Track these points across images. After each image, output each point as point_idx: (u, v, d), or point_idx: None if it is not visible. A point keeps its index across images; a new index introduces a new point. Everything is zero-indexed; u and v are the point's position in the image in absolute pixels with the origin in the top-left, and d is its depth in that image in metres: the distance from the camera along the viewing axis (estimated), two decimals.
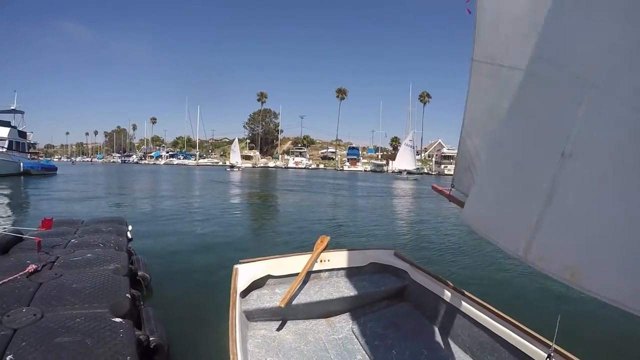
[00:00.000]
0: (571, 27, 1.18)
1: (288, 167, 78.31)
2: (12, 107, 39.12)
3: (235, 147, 67.49)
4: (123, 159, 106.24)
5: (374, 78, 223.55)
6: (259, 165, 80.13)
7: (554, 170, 1.14)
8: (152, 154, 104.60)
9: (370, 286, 3.79)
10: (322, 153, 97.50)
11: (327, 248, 4.05)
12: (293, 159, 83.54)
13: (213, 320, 3.60)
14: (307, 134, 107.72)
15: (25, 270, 3.47)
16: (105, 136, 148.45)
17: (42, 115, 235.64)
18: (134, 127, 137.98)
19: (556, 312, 4.11)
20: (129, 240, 5.64)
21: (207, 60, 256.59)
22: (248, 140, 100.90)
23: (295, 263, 3.76)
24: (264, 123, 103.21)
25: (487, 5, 2.29)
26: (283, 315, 3.37)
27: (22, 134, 36.69)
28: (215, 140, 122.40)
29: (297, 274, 3.60)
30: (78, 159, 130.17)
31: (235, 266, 3.46)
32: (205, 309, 4.49)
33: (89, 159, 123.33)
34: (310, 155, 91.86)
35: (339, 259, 4.02)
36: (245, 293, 3.37)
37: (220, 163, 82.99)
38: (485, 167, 1.78)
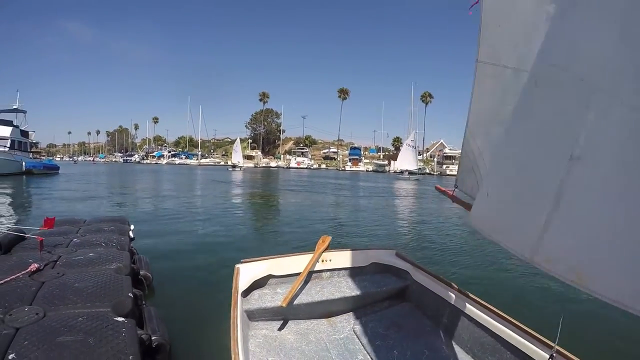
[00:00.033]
0: (575, 29, 1.18)
1: (290, 167, 78.28)
2: (14, 107, 39.11)
3: (237, 146, 67.56)
4: (125, 158, 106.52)
5: (376, 78, 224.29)
6: (260, 165, 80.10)
7: (562, 174, 1.14)
8: (154, 154, 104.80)
9: (372, 286, 3.78)
10: (324, 153, 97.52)
11: (328, 248, 4.05)
12: (295, 159, 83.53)
13: (215, 320, 3.61)
14: (309, 134, 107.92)
15: (28, 269, 3.48)
16: (108, 136, 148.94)
17: (44, 115, 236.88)
18: (136, 127, 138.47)
19: (559, 313, 4.10)
20: (131, 239, 5.65)
21: (208, 60, 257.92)
22: (250, 140, 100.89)
23: (297, 263, 3.76)
24: (266, 123, 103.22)
25: (492, 6, 2.28)
26: (284, 315, 3.36)
27: (25, 134, 36.73)
28: (217, 140, 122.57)
29: (298, 274, 3.60)
30: (80, 158, 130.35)
31: (237, 266, 3.46)
32: (206, 309, 4.50)
33: (91, 159, 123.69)
34: (312, 155, 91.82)
35: (341, 259, 4.02)
36: (246, 293, 3.37)
37: (222, 163, 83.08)
38: (491, 169, 1.78)
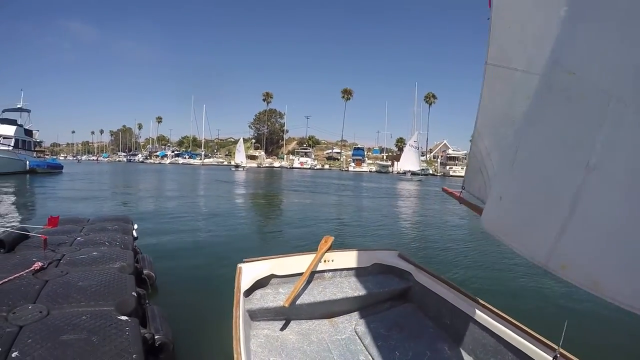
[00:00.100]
0: (590, 35, 1.17)
1: (293, 167, 78.25)
2: (18, 106, 39.27)
3: (241, 146, 67.58)
4: (128, 158, 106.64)
5: (380, 78, 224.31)
6: (264, 165, 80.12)
7: (578, 181, 1.14)
8: (157, 153, 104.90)
9: (374, 287, 3.78)
10: (327, 153, 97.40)
11: (331, 248, 4.05)
12: (298, 159, 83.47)
13: (217, 319, 3.62)
14: (312, 134, 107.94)
15: (32, 268, 3.49)
16: (111, 135, 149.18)
17: (48, 114, 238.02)
18: (140, 127, 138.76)
19: (562, 315, 4.10)
20: (135, 238, 5.66)
21: (209, 60, 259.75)
22: (253, 140, 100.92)
23: (299, 263, 3.76)
24: (269, 123, 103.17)
25: (502, 8, 2.28)
26: (286, 315, 3.37)
27: (29, 133, 36.83)
28: (221, 139, 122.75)
29: (300, 274, 3.60)
30: (84, 157, 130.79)
31: (239, 265, 3.47)
32: (209, 308, 4.50)
33: (94, 158, 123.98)
34: (315, 156, 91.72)
35: (343, 259, 4.02)
36: (248, 292, 3.38)
37: (226, 163, 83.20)
38: (501, 171, 1.77)
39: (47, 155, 59.51)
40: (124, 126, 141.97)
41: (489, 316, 2.81)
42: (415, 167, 49.44)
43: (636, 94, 1.02)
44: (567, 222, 1.17)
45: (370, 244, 9.23)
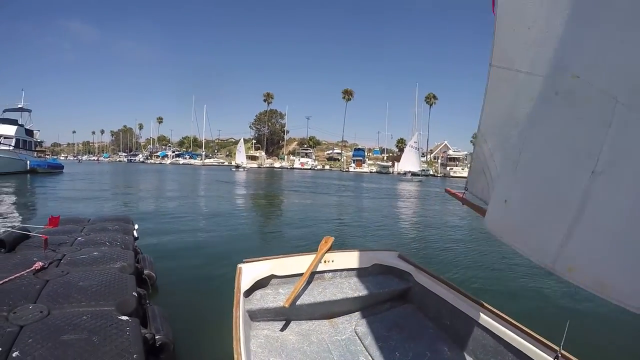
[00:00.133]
0: (597, 39, 1.17)
1: (294, 168, 78.30)
2: (19, 106, 39.34)
3: (241, 147, 67.53)
4: (129, 158, 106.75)
5: (380, 79, 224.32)
6: (264, 166, 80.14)
7: (584, 185, 1.14)
8: (158, 154, 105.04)
9: (374, 287, 3.78)
10: (327, 154, 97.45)
11: (331, 249, 4.05)
12: (299, 160, 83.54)
13: (218, 319, 3.62)
14: (313, 134, 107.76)
15: (32, 268, 3.49)
16: (112, 135, 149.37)
17: (49, 114, 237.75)
18: (141, 127, 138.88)
19: (564, 316, 4.09)
20: (135, 238, 5.66)
21: (209, 60, 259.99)
22: (254, 141, 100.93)
23: (299, 263, 3.76)
24: (270, 124, 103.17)
25: (507, 10, 2.28)
26: (286, 315, 3.37)
27: (29, 132, 36.86)
28: (222, 140, 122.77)
29: (300, 274, 3.60)
30: (84, 157, 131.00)
31: (239, 265, 3.47)
32: (210, 308, 4.50)
33: (95, 158, 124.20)
34: (316, 156, 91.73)
35: (343, 259, 4.02)
36: (248, 293, 3.38)
37: (226, 163, 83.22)
38: (506, 173, 1.77)
39: (48, 155, 59.64)
40: (124, 126, 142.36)
41: (489, 317, 2.81)
42: (415, 168, 49.41)
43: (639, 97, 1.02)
44: (574, 225, 1.17)
45: (370, 245, 9.23)
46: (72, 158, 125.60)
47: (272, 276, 3.66)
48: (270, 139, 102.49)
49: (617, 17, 1.10)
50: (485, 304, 2.91)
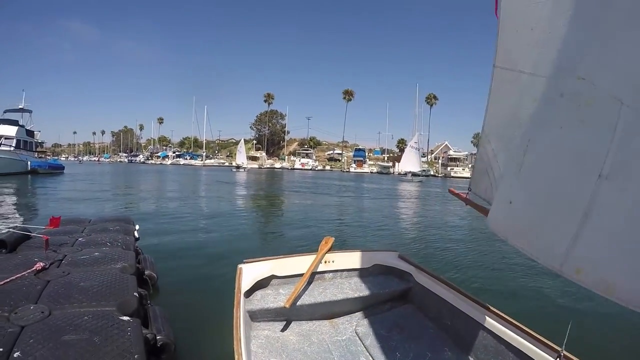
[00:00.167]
0: (603, 42, 1.17)
1: (294, 168, 78.21)
2: (20, 106, 39.34)
3: (241, 147, 67.45)
4: (130, 158, 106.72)
5: (381, 80, 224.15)
6: (265, 166, 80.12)
7: (591, 188, 1.14)
8: (158, 154, 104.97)
9: (374, 288, 3.78)
10: (328, 154, 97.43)
11: (331, 249, 4.05)
12: (299, 160, 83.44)
13: (219, 320, 3.63)
14: (313, 135, 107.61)
15: (33, 268, 3.50)
16: (112, 136, 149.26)
17: (49, 115, 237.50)
18: (141, 127, 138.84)
19: (566, 316, 4.08)
20: (136, 239, 5.67)
21: (209, 60, 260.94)
22: (255, 141, 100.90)
23: (300, 263, 3.76)
24: (270, 124, 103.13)
25: (510, 11, 2.28)
26: (286, 315, 3.37)
27: (30, 133, 36.86)
28: (222, 140, 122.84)
29: (301, 275, 3.60)
30: (85, 158, 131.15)
31: (240, 266, 3.46)
32: (211, 308, 4.51)
33: (96, 159, 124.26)
34: (316, 157, 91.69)
35: (343, 260, 4.03)
36: (249, 293, 3.38)
37: (227, 164, 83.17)
38: (509, 174, 1.78)
39: (49, 155, 59.66)
40: (125, 127, 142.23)
41: (489, 317, 2.81)
42: (415, 168, 49.37)
43: None
44: (581, 228, 1.18)
45: (370, 245, 9.23)
46: (72, 159, 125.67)
47: (273, 276, 3.67)
48: (270, 139, 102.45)
49: (620, 18, 1.11)
50: (486, 304, 2.90)
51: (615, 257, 1.10)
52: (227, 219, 12.37)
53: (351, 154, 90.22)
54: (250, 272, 3.44)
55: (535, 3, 1.94)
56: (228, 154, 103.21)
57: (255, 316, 3.28)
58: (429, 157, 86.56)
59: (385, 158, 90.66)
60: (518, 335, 2.54)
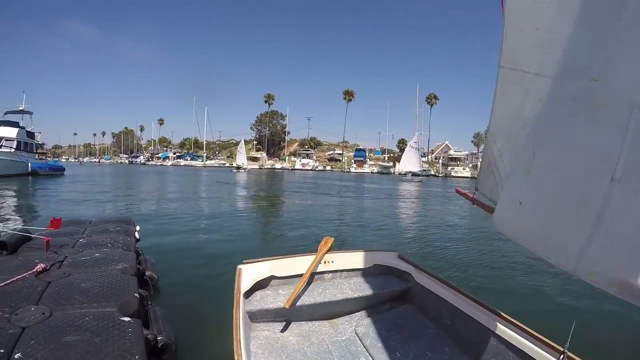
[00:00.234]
0: (615, 44, 1.16)
1: (295, 169, 78.13)
2: (20, 108, 39.42)
3: (242, 148, 67.36)
4: (130, 159, 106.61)
5: (381, 80, 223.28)
6: (265, 167, 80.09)
7: (604, 192, 1.14)
8: (159, 155, 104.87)
9: (374, 288, 3.79)
10: (329, 155, 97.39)
11: (331, 249, 4.06)
12: (300, 161, 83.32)
13: (219, 320, 3.63)
14: (314, 135, 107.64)
15: (34, 269, 3.51)
16: (113, 137, 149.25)
17: (50, 116, 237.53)
18: (142, 128, 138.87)
19: (570, 316, 4.07)
20: (137, 240, 5.68)
21: (208, 60, 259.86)
22: (255, 142, 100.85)
23: (299, 264, 3.77)
24: (271, 125, 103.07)
25: (515, 11, 2.29)
26: (286, 316, 3.37)
27: (30, 135, 36.91)
28: (223, 141, 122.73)
29: (300, 275, 3.61)
30: (86, 159, 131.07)
31: (239, 266, 3.47)
32: (211, 309, 4.51)
33: (96, 160, 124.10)
34: (317, 157, 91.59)
35: (343, 260, 4.03)
36: (248, 294, 3.38)
37: (227, 164, 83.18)
38: (517, 175, 1.78)
39: (49, 157, 59.68)
40: (125, 128, 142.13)
41: (489, 317, 2.81)
42: (415, 168, 49.33)
43: None
44: (594, 231, 1.18)
45: (370, 245, 9.23)
46: (73, 160, 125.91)
47: (272, 277, 3.67)
48: (271, 140, 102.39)
49: (631, 19, 1.11)
50: (486, 304, 2.91)
51: (629, 260, 1.11)
52: (227, 220, 12.38)
53: (352, 154, 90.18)
54: (249, 273, 3.44)
55: (540, 3, 1.94)
56: (228, 154, 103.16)
57: (255, 317, 3.28)
58: (430, 156, 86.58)
59: (386, 158, 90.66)
60: (518, 334, 2.54)
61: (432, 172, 68.93)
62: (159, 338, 3.11)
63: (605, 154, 1.16)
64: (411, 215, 16.96)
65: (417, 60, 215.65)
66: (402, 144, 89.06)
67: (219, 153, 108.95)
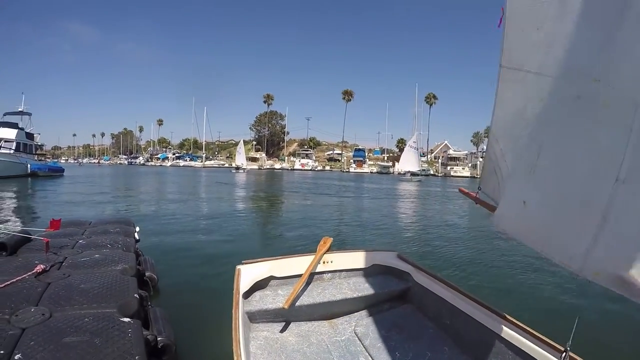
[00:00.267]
0: (619, 45, 1.16)
1: (294, 169, 78.16)
2: (19, 109, 39.40)
3: (241, 148, 67.31)
4: (130, 160, 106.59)
5: (380, 80, 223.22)
6: (265, 167, 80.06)
7: (609, 193, 1.15)
8: (158, 156, 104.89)
9: (373, 288, 3.79)
10: (328, 155, 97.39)
11: (330, 249, 4.05)
12: (299, 161, 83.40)
13: (219, 321, 3.63)
14: (313, 135, 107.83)
15: (34, 270, 3.51)
16: (112, 138, 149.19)
17: (49, 117, 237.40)
18: (141, 129, 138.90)
19: (571, 316, 4.08)
20: (137, 241, 5.68)
21: (208, 60, 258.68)
22: (254, 142, 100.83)
23: (298, 264, 3.76)
24: (270, 125, 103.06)
25: (517, 11, 2.29)
26: (285, 316, 3.37)
27: (30, 136, 36.89)
28: (222, 142, 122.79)
29: (299, 275, 3.60)
30: (85, 160, 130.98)
31: (238, 267, 3.46)
32: (211, 309, 4.50)
33: (96, 161, 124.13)
34: (316, 157, 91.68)
35: (342, 260, 4.03)
36: (248, 294, 3.38)
37: (227, 165, 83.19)
38: (520, 175, 1.78)
39: (49, 158, 59.76)
40: (125, 129, 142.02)
41: (489, 316, 2.81)
42: (414, 168, 49.31)
43: None
44: (599, 232, 1.18)
45: (369, 245, 9.23)
46: (72, 161, 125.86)
47: (271, 277, 3.67)
48: (270, 140, 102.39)
49: (633, 18, 1.11)
50: (485, 303, 2.90)
51: (635, 259, 1.11)
52: (226, 220, 12.38)
53: (351, 154, 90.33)
54: (248, 273, 3.44)
55: (541, 2, 1.94)
56: (228, 155, 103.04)
57: (254, 317, 3.28)
58: (429, 156, 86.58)
59: (385, 158, 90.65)
60: (518, 334, 2.53)
61: (432, 172, 68.98)
62: (158, 339, 3.12)
63: (609, 155, 1.17)
64: (410, 215, 16.96)
65: (417, 60, 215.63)
66: (401, 144, 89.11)
67: (218, 153, 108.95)
